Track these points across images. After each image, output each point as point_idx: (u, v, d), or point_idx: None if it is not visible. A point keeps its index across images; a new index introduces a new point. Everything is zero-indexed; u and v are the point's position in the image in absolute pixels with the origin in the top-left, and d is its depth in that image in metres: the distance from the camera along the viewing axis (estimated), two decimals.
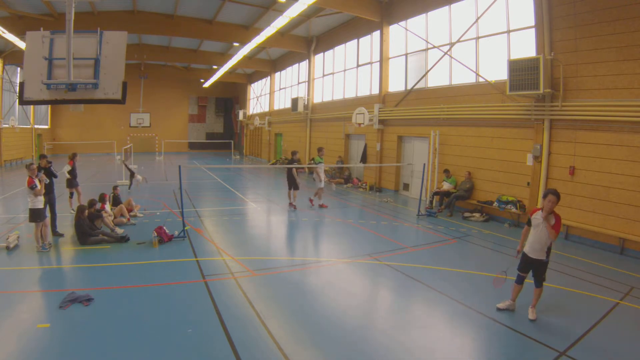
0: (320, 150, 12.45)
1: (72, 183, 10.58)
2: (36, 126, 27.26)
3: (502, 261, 7.60)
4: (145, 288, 5.78)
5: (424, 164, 11.96)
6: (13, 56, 20.92)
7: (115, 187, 10.73)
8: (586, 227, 8.72)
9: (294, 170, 11.76)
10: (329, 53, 20.32)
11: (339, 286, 6.10)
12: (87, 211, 8.01)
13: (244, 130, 35.88)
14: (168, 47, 24.97)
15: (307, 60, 21.94)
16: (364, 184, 16.85)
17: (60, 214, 9.10)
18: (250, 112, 34.33)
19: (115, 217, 9.32)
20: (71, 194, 10.74)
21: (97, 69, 5.81)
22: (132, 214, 9.98)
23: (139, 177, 15.11)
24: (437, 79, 13.30)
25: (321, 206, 12.09)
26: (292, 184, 11.78)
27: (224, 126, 40.24)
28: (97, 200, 8.71)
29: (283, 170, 22.45)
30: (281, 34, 19.33)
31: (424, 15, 13.65)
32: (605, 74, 8.39)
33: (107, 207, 9.24)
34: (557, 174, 9.37)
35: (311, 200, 12.48)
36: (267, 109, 29.90)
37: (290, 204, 11.87)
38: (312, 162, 12.47)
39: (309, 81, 21.99)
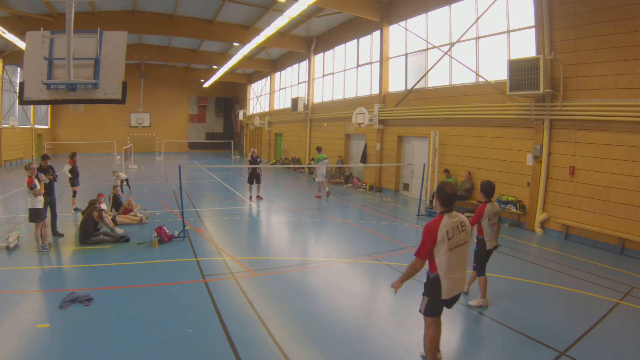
0: (320, 149, 14.37)
1: (74, 182, 10.61)
2: (36, 126, 27.27)
3: (503, 261, 7.61)
4: (145, 288, 5.78)
5: (424, 164, 11.97)
6: (13, 56, 20.92)
7: (115, 187, 10.72)
8: (586, 227, 8.72)
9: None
10: (329, 53, 20.31)
11: (339, 286, 6.10)
12: (96, 212, 8.03)
13: (244, 130, 35.88)
14: (168, 47, 24.97)
15: (307, 60, 21.93)
16: (364, 184, 16.85)
17: (61, 214, 9.09)
18: (250, 112, 34.32)
19: (113, 218, 9.31)
20: (74, 193, 10.75)
21: (97, 69, 5.80)
22: (132, 214, 9.96)
23: (122, 175, 14.02)
24: (437, 79, 13.30)
25: (317, 197, 13.74)
26: (257, 178, 13.06)
27: (224, 126, 40.23)
28: (96, 200, 8.72)
29: (283, 171, 22.50)
30: (281, 34, 19.33)
31: (424, 15, 13.66)
32: (605, 74, 8.39)
33: (103, 206, 9.23)
34: (557, 174, 9.38)
35: (327, 193, 13.80)
36: (267, 109, 29.89)
37: (258, 196, 13.20)
38: (312, 161, 13.92)
39: (309, 81, 21.99)
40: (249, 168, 13.19)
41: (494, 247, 5.45)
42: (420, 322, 5.24)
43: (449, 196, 3.61)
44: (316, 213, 11.44)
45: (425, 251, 3.53)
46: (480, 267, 5.40)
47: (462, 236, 3.59)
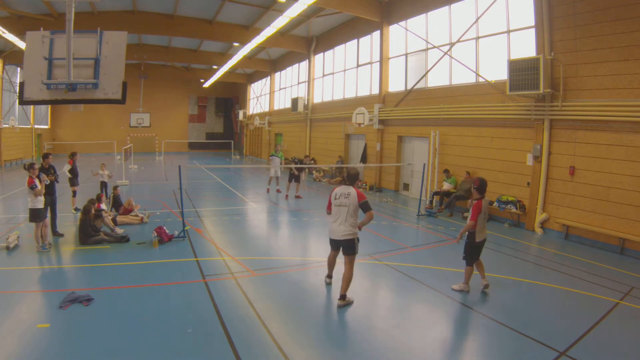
0: (277, 146, 15.68)
1: (74, 182, 10.61)
2: (36, 126, 27.26)
3: (503, 261, 7.60)
4: (145, 288, 5.78)
5: (424, 164, 11.96)
6: (13, 56, 20.91)
7: (115, 187, 10.72)
8: (586, 227, 8.72)
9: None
10: (329, 53, 20.31)
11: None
12: (92, 210, 8.01)
13: (244, 130, 35.87)
14: (168, 47, 24.96)
15: (307, 60, 21.93)
16: (364, 184, 16.84)
17: (61, 214, 9.10)
18: (250, 112, 34.32)
19: (113, 218, 9.31)
20: (74, 193, 10.75)
21: (97, 69, 5.79)
22: (132, 214, 9.96)
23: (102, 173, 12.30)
24: (437, 79, 13.30)
25: (277, 191, 14.82)
26: (296, 178, 14.09)
27: (224, 126, 40.22)
28: (95, 200, 8.71)
29: (283, 171, 22.47)
30: (281, 34, 19.33)
31: (424, 15, 13.65)
32: (605, 74, 8.39)
33: (103, 206, 9.22)
34: (557, 174, 9.38)
35: (277, 190, 14.83)
36: (267, 109, 29.89)
37: (298, 195, 13.92)
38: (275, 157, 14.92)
39: (309, 81, 21.99)
40: (294, 169, 13.97)
41: (483, 239, 5.81)
42: (420, 322, 5.27)
43: (348, 175, 5.53)
44: (316, 213, 11.44)
45: (328, 205, 5.55)
46: (469, 258, 5.81)
47: (344, 200, 5.27)
